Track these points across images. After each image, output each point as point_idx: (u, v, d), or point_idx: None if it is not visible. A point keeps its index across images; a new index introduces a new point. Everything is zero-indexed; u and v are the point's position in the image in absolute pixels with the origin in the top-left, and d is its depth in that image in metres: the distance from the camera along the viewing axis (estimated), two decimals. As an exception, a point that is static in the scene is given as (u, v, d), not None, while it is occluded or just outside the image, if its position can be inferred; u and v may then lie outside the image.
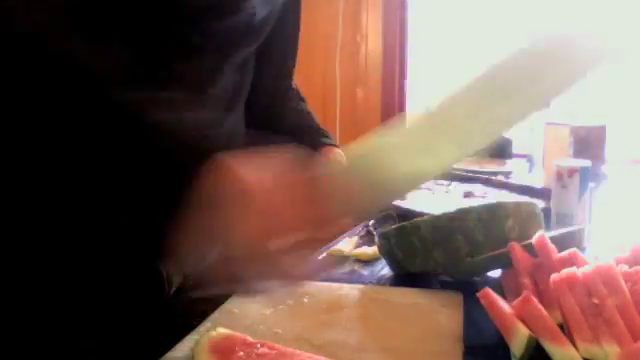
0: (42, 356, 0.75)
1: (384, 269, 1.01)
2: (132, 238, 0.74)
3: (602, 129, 1.74)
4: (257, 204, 0.60)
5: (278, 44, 0.93)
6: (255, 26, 0.78)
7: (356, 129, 2.70)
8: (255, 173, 0.61)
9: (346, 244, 1.11)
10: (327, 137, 0.99)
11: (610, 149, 1.76)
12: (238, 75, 0.82)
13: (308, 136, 0.97)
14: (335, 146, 0.96)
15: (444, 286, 0.91)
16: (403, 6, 2.64)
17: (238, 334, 0.70)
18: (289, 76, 1.01)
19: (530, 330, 0.67)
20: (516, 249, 0.82)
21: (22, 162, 0.68)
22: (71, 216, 0.70)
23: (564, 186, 1.10)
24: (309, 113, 1.03)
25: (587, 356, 0.65)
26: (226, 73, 0.78)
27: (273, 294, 0.86)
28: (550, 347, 0.66)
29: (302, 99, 1.05)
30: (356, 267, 1.02)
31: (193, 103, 0.74)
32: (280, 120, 1.00)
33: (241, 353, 0.67)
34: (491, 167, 1.98)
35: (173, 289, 0.82)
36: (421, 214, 1.03)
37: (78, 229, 0.71)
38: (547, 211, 1.10)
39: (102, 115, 0.68)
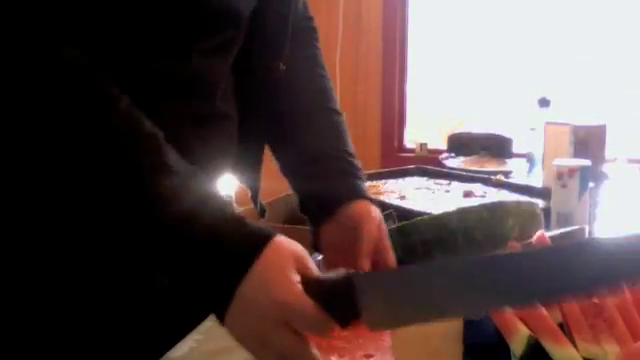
0: (42, 356, 0.75)
1: (384, 269, 1.00)
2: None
3: (602, 129, 1.74)
4: None
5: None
6: None
7: (356, 129, 2.70)
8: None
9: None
10: (357, 177, 0.84)
11: (610, 149, 1.76)
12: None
13: (329, 176, 0.83)
14: (368, 199, 0.83)
15: (444, 286, 0.91)
16: (403, 5, 2.64)
17: None
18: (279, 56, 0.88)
19: (530, 330, 0.67)
20: (516, 249, 0.82)
21: None
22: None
23: (564, 186, 1.10)
24: (337, 122, 0.88)
25: (587, 356, 0.65)
26: None
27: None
28: (550, 347, 0.66)
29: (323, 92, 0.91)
30: (356, 267, 1.02)
31: None
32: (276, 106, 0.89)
33: None
34: (491, 167, 1.98)
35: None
36: (421, 214, 1.03)
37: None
38: (547, 211, 1.10)
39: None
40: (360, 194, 0.82)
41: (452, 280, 0.58)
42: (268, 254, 0.58)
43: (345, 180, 0.83)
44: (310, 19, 0.96)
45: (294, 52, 0.89)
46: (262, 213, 0.95)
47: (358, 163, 0.87)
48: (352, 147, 0.89)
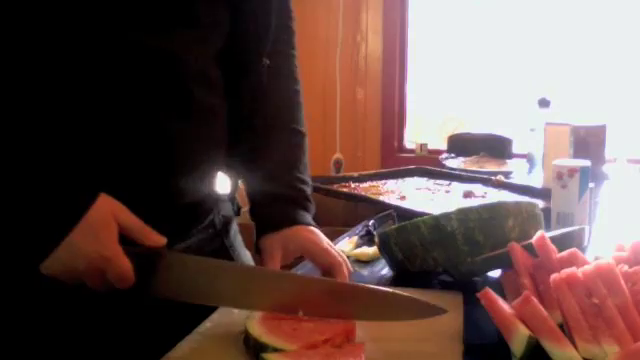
0: (42, 356, 0.75)
1: (384, 269, 1.01)
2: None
3: (602, 129, 1.74)
4: None
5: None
6: None
7: (356, 129, 2.70)
8: None
9: (346, 244, 1.11)
10: (305, 202, 0.90)
11: (610, 149, 1.76)
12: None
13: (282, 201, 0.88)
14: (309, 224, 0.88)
15: (444, 286, 0.91)
16: (403, 6, 2.64)
17: None
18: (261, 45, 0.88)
19: (530, 330, 0.67)
20: (516, 249, 0.82)
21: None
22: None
23: (564, 186, 1.10)
24: (296, 145, 0.92)
25: (587, 356, 0.65)
26: None
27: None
28: (550, 347, 0.66)
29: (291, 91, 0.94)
30: (356, 267, 1.02)
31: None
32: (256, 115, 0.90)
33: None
34: (491, 167, 1.98)
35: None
36: (421, 214, 1.03)
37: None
38: (547, 211, 1.10)
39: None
40: (292, 221, 0.87)
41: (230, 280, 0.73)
42: (95, 209, 0.68)
43: (282, 208, 0.88)
44: (291, 19, 0.95)
45: (270, 60, 0.90)
46: (237, 212, 0.98)
47: (306, 190, 0.91)
48: (307, 173, 0.92)
